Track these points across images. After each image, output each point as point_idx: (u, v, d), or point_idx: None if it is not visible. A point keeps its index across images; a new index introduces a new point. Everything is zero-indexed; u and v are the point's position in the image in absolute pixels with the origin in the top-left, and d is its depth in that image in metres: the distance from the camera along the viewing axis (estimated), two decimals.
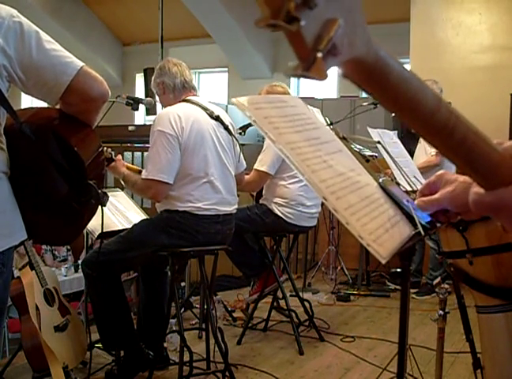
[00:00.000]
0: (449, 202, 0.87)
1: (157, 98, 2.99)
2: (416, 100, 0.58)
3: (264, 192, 3.52)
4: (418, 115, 0.59)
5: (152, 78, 2.89)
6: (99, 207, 1.61)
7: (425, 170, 4.17)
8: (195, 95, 2.87)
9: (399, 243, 0.86)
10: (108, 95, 1.56)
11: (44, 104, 1.66)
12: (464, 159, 0.64)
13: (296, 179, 3.39)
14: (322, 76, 0.48)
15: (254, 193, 3.76)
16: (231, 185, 2.84)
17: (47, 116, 1.54)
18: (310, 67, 0.46)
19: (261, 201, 3.52)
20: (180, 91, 2.81)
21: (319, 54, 0.46)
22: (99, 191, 1.52)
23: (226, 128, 2.84)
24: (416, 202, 0.90)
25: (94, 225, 2.93)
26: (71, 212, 1.50)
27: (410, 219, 0.94)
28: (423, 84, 0.58)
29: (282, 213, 3.40)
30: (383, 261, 0.78)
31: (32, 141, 1.42)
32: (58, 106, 1.55)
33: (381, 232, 0.83)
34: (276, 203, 3.41)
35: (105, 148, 2.77)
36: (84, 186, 1.49)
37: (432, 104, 0.59)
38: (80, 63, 1.48)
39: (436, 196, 0.89)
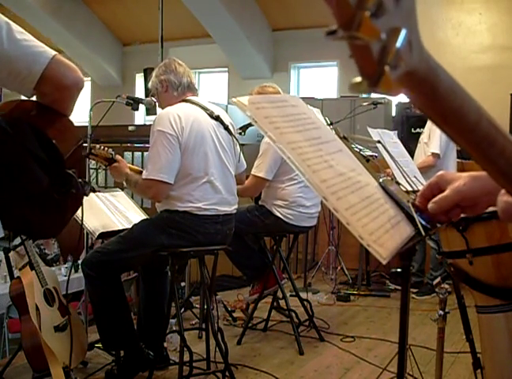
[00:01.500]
0: (462, 196, 0.87)
1: (154, 97, 2.96)
2: (461, 111, 0.55)
3: (262, 194, 3.52)
4: (463, 127, 0.57)
5: (153, 74, 2.86)
6: (86, 197, 1.61)
7: (423, 170, 4.18)
8: (195, 96, 2.87)
9: (399, 243, 0.86)
10: (82, 82, 1.54)
11: None
12: (502, 169, 0.62)
13: (294, 181, 3.40)
14: (394, 91, 0.44)
15: None
16: (231, 185, 2.84)
17: (24, 108, 1.52)
18: (378, 82, 0.43)
19: (260, 203, 3.52)
20: (184, 91, 2.81)
21: (387, 68, 0.43)
22: (80, 180, 1.50)
23: (226, 128, 2.84)
24: (428, 206, 0.90)
25: (94, 225, 2.94)
26: (53, 203, 1.49)
27: (410, 219, 0.94)
28: (466, 93, 0.56)
29: (282, 214, 3.40)
30: (384, 262, 0.78)
31: (10, 135, 1.40)
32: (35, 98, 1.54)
33: (381, 232, 0.83)
34: (276, 205, 3.42)
35: (105, 148, 2.78)
36: (63, 176, 1.47)
37: (475, 115, 0.57)
38: (52, 52, 1.47)
39: (447, 193, 0.89)
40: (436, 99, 0.53)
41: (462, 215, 0.92)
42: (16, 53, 1.41)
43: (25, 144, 1.43)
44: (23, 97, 1.55)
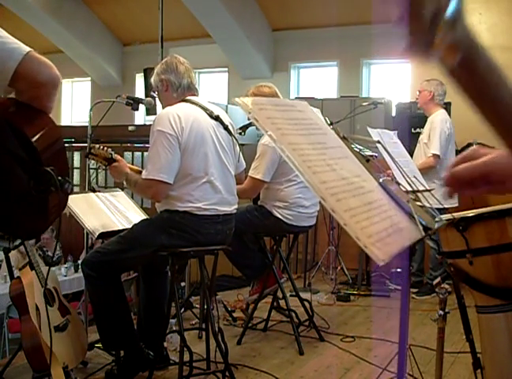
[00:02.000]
0: (492, 168, 0.85)
1: (155, 93, 2.96)
2: (497, 88, 0.55)
3: (261, 196, 3.52)
4: (497, 107, 0.57)
5: (155, 72, 2.85)
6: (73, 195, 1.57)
7: (423, 171, 4.18)
8: (195, 95, 2.87)
9: (401, 249, 0.86)
10: (58, 79, 1.51)
11: None
12: None
13: (293, 182, 3.40)
14: (446, 56, 0.45)
15: None
16: (231, 185, 2.84)
17: (3, 106, 1.49)
18: (430, 46, 0.44)
19: (259, 203, 3.52)
20: (184, 92, 2.81)
21: (438, 36, 0.44)
22: (59, 178, 1.46)
23: (226, 128, 2.84)
24: (456, 169, 0.87)
25: (94, 225, 2.94)
26: (33, 201, 1.46)
27: (416, 223, 0.94)
28: (501, 70, 0.56)
29: (282, 215, 3.40)
30: (380, 264, 0.78)
31: None
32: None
33: (381, 236, 0.83)
34: (275, 206, 3.42)
35: (105, 148, 2.78)
36: (41, 174, 1.44)
37: (510, 92, 0.57)
38: (26, 48, 1.44)
39: (478, 161, 0.86)
40: (475, 75, 0.53)
41: (462, 215, 0.92)
42: None
43: (4, 143, 1.40)
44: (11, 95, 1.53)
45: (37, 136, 1.47)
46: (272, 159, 3.31)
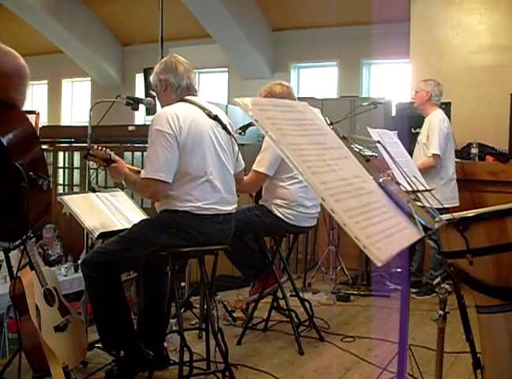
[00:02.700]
0: None
1: (154, 92, 2.95)
2: None
3: (263, 193, 3.51)
4: None
5: (154, 71, 2.84)
6: (51, 193, 1.51)
7: (423, 171, 4.19)
8: (194, 95, 2.86)
9: (400, 249, 0.87)
10: (23, 69, 1.48)
11: None
12: None
13: (295, 180, 3.38)
14: None
15: (253, 193, 3.76)
16: (230, 184, 2.83)
17: None
18: None
19: (260, 202, 3.52)
20: (182, 93, 2.81)
21: None
22: (30, 173, 1.42)
23: (224, 127, 2.83)
24: None
25: (94, 225, 2.94)
26: (7, 200, 1.42)
27: (416, 223, 0.94)
28: None
29: (282, 214, 3.39)
30: (379, 264, 0.78)
31: None
32: None
33: (380, 237, 0.83)
34: (276, 204, 3.41)
35: (103, 149, 2.78)
36: (11, 169, 1.40)
37: None
38: None
39: None
40: None
41: (462, 215, 0.92)
42: None
43: None
44: None
45: (6, 132, 1.43)
46: (276, 154, 3.29)
